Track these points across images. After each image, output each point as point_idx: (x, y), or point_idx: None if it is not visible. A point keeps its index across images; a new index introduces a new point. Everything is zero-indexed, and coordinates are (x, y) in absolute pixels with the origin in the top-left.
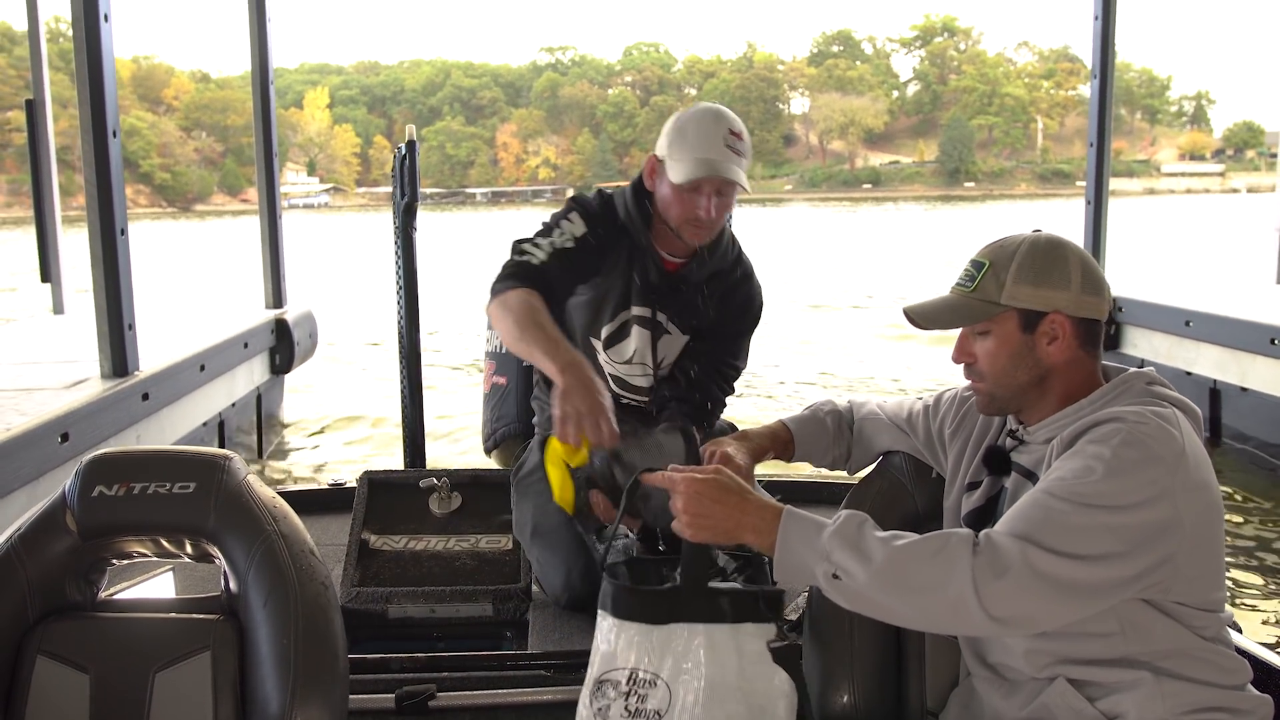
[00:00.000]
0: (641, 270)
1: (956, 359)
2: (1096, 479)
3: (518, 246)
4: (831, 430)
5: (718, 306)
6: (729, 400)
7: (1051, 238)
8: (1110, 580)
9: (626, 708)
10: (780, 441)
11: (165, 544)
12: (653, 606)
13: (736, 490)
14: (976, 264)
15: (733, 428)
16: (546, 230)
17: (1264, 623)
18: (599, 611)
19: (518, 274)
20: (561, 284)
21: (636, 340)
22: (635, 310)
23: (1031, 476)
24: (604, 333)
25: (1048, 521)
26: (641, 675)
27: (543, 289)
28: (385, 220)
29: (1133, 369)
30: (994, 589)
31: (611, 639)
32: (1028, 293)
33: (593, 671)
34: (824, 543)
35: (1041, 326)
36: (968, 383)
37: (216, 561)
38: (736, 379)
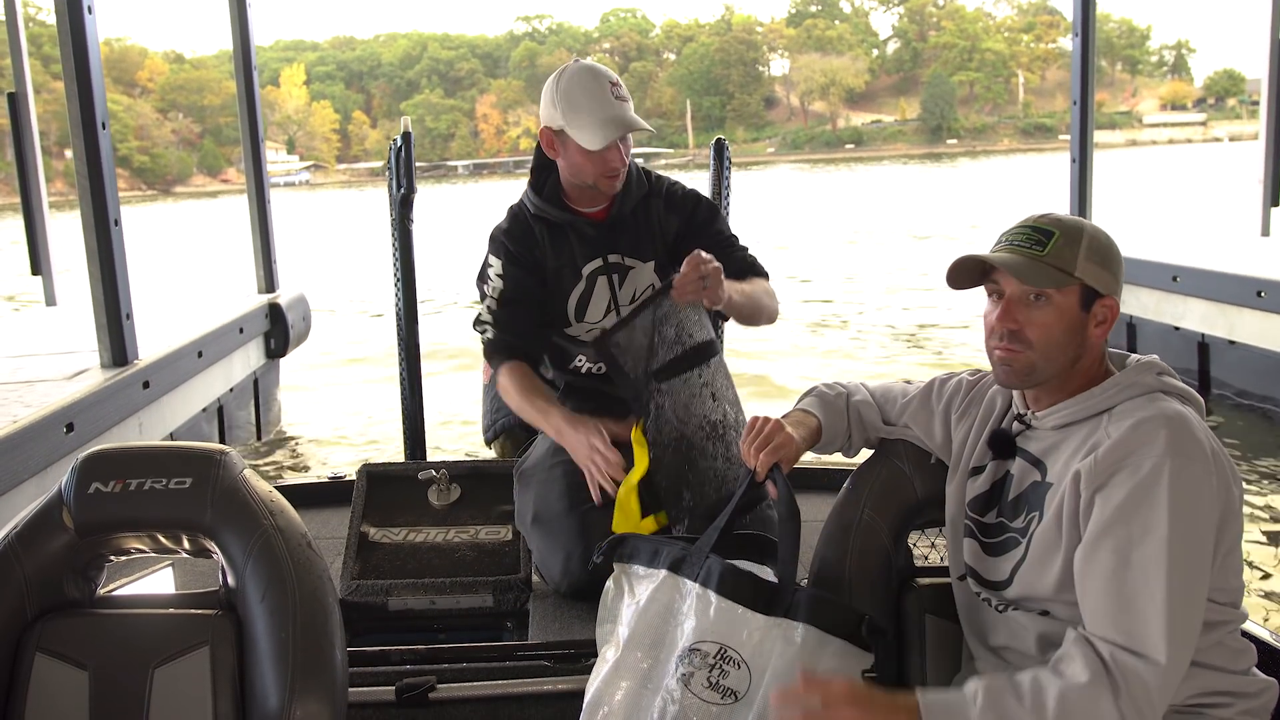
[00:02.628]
0: (575, 235)
1: (1004, 324)
2: (1167, 530)
3: (477, 323)
4: (846, 416)
5: (669, 215)
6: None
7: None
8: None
9: (709, 679)
10: (814, 431)
11: (163, 540)
12: (756, 594)
13: (866, 694)
14: (1043, 230)
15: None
16: (481, 292)
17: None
18: (685, 580)
19: (491, 353)
20: (527, 316)
21: (602, 291)
22: (586, 269)
23: (1039, 465)
24: (572, 306)
25: (1156, 607)
26: (730, 653)
27: (517, 350)
28: (368, 196)
29: (1136, 358)
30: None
31: (711, 613)
32: (1095, 271)
33: (671, 636)
34: None
35: (1095, 307)
36: (970, 368)
37: (214, 556)
38: (739, 242)
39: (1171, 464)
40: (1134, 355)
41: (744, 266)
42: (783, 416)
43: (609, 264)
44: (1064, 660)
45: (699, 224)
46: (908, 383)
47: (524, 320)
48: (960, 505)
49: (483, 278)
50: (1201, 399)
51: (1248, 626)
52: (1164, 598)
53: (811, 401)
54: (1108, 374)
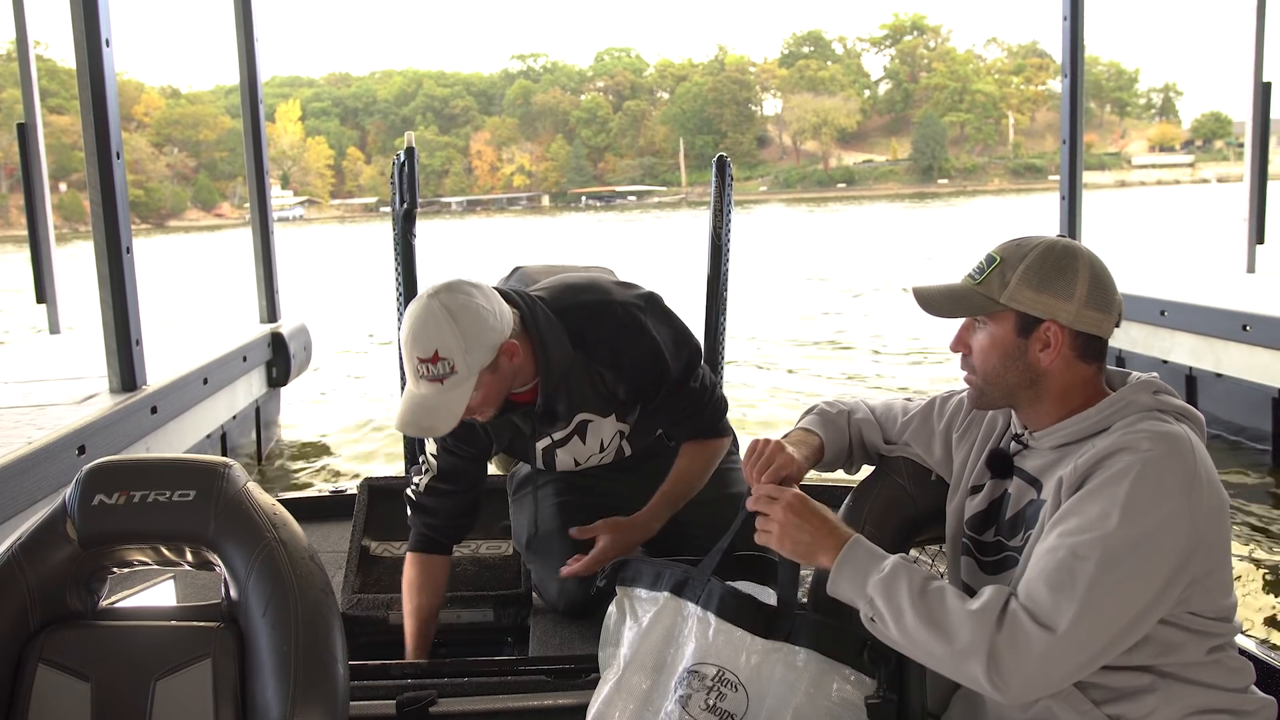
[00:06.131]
0: (517, 420)
1: (954, 348)
2: (1114, 525)
3: (407, 499)
4: (848, 434)
5: (617, 381)
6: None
7: (1069, 245)
8: (1145, 620)
9: (706, 701)
10: (816, 449)
11: (165, 552)
12: (757, 617)
13: (820, 513)
14: (989, 258)
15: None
16: (418, 464)
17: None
18: (686, 603)
19: (410, 538)
20: (455, 504)
21: (568, 453)
22: (540, 445)
23: (1035, 484)
24: (538, 463)
25: (1074, 591)
26: (728, 676)
27: (433, 545)
28: (362, 231)
29: (1135, 376)
30: (1010, 672)
31: (710, 635)
32: (1029, 296)
33: (675, 658)
34: (869, 587)
35: (1036, 332)
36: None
37: (217, 569)
38: (705, 396)
39: (1141, 470)
40: (1134, 373)
41: (695, 431)
42: (783, 436)
43: (563, 436)
44: (978, 593)
45: (649, 396)
46: (909, 400)
47: (450, 507)
48: (959, 524)
49: (420, 449)
50: (1201, 415)
51: (1247, 645)
52: (1085, 585)
53: (813, 420)
54: (1104, 394)
